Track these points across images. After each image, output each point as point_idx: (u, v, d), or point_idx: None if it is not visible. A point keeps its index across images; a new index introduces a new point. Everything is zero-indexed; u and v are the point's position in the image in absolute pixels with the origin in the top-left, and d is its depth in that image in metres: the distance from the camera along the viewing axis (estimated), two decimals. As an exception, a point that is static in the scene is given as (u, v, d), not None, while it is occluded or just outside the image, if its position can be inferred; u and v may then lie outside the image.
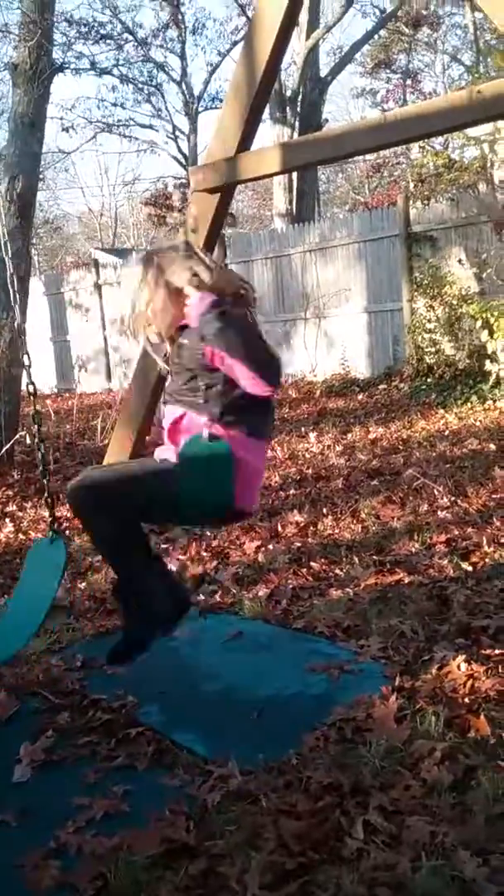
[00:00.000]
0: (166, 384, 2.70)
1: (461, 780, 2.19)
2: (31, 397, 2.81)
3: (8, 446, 6.81)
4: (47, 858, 2.02)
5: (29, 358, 2.68)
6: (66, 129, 20.84)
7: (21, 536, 4.99)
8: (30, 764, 2.47)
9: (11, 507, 5.74)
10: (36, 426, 2.83)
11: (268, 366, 2.34)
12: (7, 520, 5.37)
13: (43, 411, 11.00)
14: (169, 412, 2.57)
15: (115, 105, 20.77)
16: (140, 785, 2.32)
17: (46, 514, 5.34)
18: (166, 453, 2.59)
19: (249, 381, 2.32)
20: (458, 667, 2.78)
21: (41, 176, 18.01)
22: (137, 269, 2.67)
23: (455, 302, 9.37)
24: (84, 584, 4.05)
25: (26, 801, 2.29)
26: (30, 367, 2.70)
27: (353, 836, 1.99)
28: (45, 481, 2.84)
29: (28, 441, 7.34)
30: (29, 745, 2.55)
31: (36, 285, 14.92)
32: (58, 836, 2.09)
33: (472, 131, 10.50)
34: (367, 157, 24.36)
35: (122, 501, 2.51)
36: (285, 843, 1.97)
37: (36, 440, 2.77)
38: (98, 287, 14.32)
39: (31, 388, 2.81)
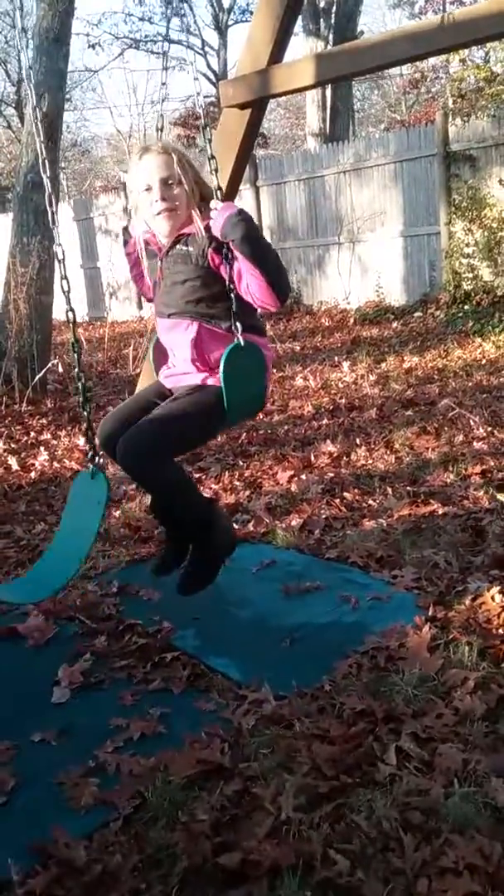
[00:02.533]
0: (157, 299, 2.66)
1: (494, 709, 2.20)
2: (72, 325, 2.66)
3: (41, 375, 6.82)
4: (86, 776, 2.08)
5: (68, 283, 2.57)
6: (92, 46, 20.17)
7: (56, 465, 5.03)
8: (68, 686, 2.53)
9: (46, 436, 5.78)
10: (75, 355, 2.69)
11: (285, 281, 2.43)
12: (42, 448, 5.41)
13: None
14: (176, 329, 2.56)
15: (142, 20, 20.07)
16: (176, 708, 2.37)
17: (82, 442, 5.40)
18: (187, 379, 2.57)
19: (263, 293, 2.37)
20: (493, 598, 2.77)
21: (68, 96, 17.49)
22: (156, 152, 2.54)
23: (495, 225, 9.05)
24: (119, 511, 4.08)
25: (65, 721, 2.36)
26: (69, 291, 2.58)
27: (386, 761, 2.01)
28: (85, 413, 2.73)
29: (60, 370, 7.35)
30: (67, 667, 2.61)
31: (65, 210, 14.73)
32: (96, 756, 2.15)
33: (517, 42, 9.94)
34: (404, 71, 23.29)
35: (174, 450, 2.58)
36: (319, 767, 2.01)
37: (76, 371, 2.66)
38: (128, 212, 14.06)
39: (70, 315, 2.67)
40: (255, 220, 2.40)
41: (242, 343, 2.46)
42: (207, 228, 2.45)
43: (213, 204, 2.44)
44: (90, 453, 2.73)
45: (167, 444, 2.50)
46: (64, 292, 2.56)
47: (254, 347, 2.52)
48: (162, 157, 2.51)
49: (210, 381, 2.53)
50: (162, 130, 3.07)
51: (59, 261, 2.55)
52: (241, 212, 2.38)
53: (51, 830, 1.88)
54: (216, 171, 2.53)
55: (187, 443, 2.71)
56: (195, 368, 2.56)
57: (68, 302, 2.56)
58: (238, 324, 2.46)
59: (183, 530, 2.74)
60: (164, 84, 3.15)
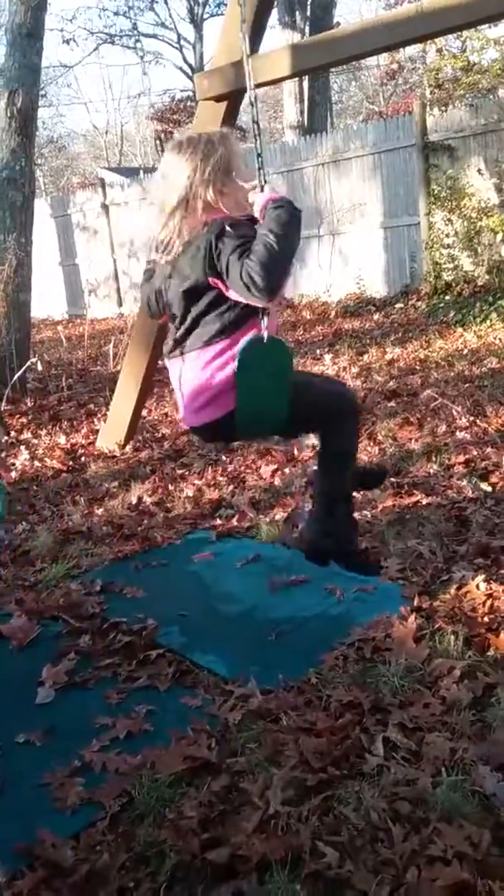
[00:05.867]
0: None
1: (480, 698, 2.20)
2: None
3: (20, 373, 6.76)
4: (73, 776, 2.06)
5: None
6: (67, 42, 20.01)
7: (37, 464, 4.99)
8: (52, 686, 2.51)
9: (26, 435, 5.73)
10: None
11: None
12: (22, 447, 5.37)
13: (53, 338, 10.92)
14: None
15: (116, 14, 19.92)
16: (162, 705, 2.35)
17: (63, 440, 5.36)
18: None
19: None
20: (477, 586, 2.77)
21: (43, 92, 17.31)
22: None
23: (474, 215, 9.06)
24: (101, 510, 4.05)
25: (50, 721, 2.33)
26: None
27: (374, 752, 2.01)
28: None
29: (40, 368, 7.30)
30: (51, 667, 2.59)
31: (42, 207, 14.60)
32: (82, 755, 2.13)
33: (491, 32, 9.96)
34: (382, 62, 23.30)
35: None
36: (306, 760, 2.00)
37: None
38: (105, 208, 13.98)
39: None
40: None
41: None
42: None
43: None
44: None
45: None
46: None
47: None
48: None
49: None
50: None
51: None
52: None
53: (37, 831, 1.86)
54: None
55: None
56: None
57: None
58: None
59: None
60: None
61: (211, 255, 2.19)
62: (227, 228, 2.18)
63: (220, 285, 2.23)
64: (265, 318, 2.30)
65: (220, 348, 2.31)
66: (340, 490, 2.64)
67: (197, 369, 2.35)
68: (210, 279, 2.23)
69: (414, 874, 1.63)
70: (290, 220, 2.19)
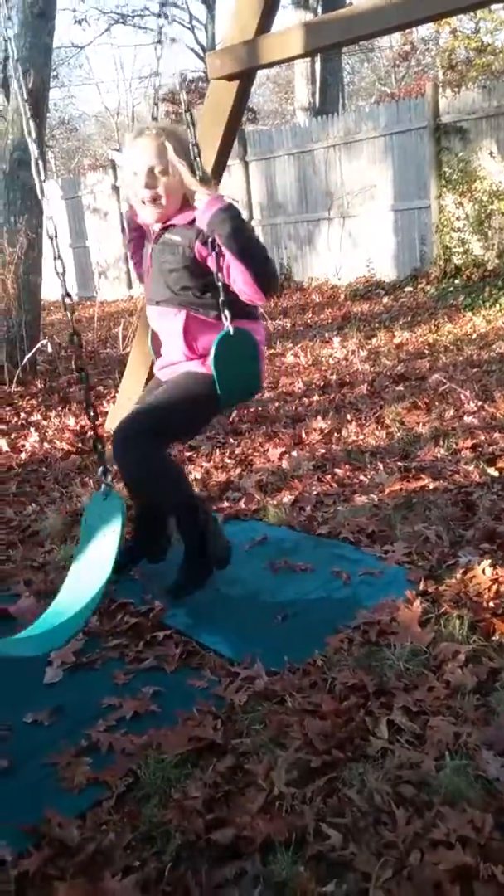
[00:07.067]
0: (146, 285, 2.71)
1: (485, 682, 2.20)
2: (70, 316, 2.30)
3: (30, 355, 6.76)
4: (79, 756, 2.08)
5: (62, 263, 2.34)
6: (78, 22, 19.81)
7: (46, 445, 5.00)
8: (60, 666, 2.53)
9: (36, 417, 5.74)
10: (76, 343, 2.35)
11: (271, 275, 2.41)
12: (32, 429, 5.38)
13: (63, 320, 10.90)
14: (165, 317, 2.59)
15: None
16: (168, 686, 2.36)
17: (72, 422, 5.36)
18: (178, 368, 2.63)
19: (249, 287, 2.37)
20: (483, 571, 2.77)
21: (54, 73, 17.19)
22: (150, 137, 2.50)
23: (485, 198, 8.98)
24: (109, 492, 4.06)
25: (58, 701, 2.35)
26: (64, 273, 2.34)
27: (378, 735, 2.02)
28: (91, 419, 2.34)
29: (50, 350, 7.30)
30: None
31: (53, 188, 14.55)
32: (89, 735, 2.15)
33: (506, 11, 9.82)
34: (395, 43, 23.04)
35: (160, 437, 2.62)
36: (311, 742, 2.01)
37: (79, 371, 2.37)
38: (116, 189, 13.92)
39: (67, 300, 2.31)
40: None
41: (232, 331, 2.45)
42: (192, 221, 2.43)
43: (199, 196, 2.41)
44: (101, 469, 2.37)
45: (151, 431, 2.54)
46: (58, 273, 2.29)
47: (244, 334, 2.51)
48: (155, 143, 2.47)
49: (199, 369, 2.53)
50: (158, 105, 3.03)
51: (52, 237, 2.35)
52: (229, 207, 2.35)
53: (44, 810, 1.88)
54: (199, 156, 2.50)
55: (174, 429, 2.68)
56: (184, 357, 2.58)
57: (64, 287, 2.30)
58: (227, 312, 2.45)
59: (163, 529, 2.95)
60: (158, 59, 3.08)
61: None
62: None
63: None
64: None
65: None
66: None
67: None
68: None
69: (417, 857, 1.64)
70: None
